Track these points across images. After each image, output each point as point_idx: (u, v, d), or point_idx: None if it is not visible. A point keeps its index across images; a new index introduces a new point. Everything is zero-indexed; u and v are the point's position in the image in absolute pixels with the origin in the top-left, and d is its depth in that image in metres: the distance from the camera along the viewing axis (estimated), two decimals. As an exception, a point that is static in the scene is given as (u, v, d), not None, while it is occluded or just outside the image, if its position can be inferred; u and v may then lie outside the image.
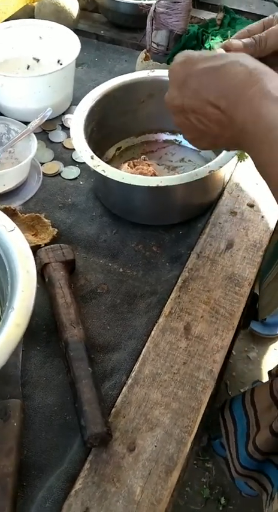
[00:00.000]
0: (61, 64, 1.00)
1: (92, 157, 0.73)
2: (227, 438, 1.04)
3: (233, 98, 0.50)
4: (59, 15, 1.14)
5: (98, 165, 0.72)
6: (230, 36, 0.58)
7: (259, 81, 0.49)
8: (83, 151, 0.74)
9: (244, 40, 0.58)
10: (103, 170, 0.71)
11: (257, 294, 1.31)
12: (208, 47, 1.08)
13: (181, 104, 0.55)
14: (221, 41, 1.09)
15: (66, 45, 0.98)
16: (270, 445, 0.91)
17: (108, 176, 0.70)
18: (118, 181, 0.70)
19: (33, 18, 1.14)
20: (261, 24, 0.59)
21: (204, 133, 0.56)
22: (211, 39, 1.10)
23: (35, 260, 0.71)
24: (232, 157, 0.72)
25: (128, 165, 0.79)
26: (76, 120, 0.78)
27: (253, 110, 0.49)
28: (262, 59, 0.56)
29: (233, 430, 1.01)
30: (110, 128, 0.87)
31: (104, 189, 0.81)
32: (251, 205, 0.82)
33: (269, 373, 1.14)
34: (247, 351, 1.85)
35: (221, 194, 0.84)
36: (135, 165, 0.79)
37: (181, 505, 1.50)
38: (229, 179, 0.86)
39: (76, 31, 1.19)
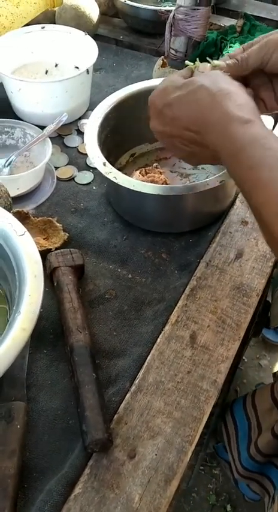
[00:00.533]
0: (78, 69, 1.01)
1: (104, 164, 0.74)
2: (229, 441, 1.04)
3: (202, 122, 0.55)
4: (79, 21, 1.16)
5: (110, 172, 0.73)
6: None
7: (222, 104, 0.52)
8: (96, 158, 0.75)
9: (228, 61, 0.62)
10: (115, 177, 0.72)
11: (270, 301, 1.31)
12: (226, 54, 1.08)
13: (163, 130, 0.61)
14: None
15: (85, 50, 0.99)
16: (272, 447, 0.91)
17: (119, 183, 0.71)
18: (129, 189, 0.71)
19: (54, 23, 1.16)
20: (241, 49, 0.64)
21: (190, 153, 0.61)
22: (230, 46, 1.10)
23: (45, 264, 0.73)
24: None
25: (140, 173, 0.80)
26: (91, 126, 0.79)
27: (219, 134, 0.52)
28: (249, 79, 0.63)
29: (234, 432, 1.02)
30: (124, 134, 0.87)
31: (116, 196, 0.81)
32: (263, 215, 0.81)
33: (274, 374, 1.14)
34: (258, 358, 1.84)
35: (233, 203, 0.83)
36: (146, 173, 0.80)
37: (187, 510, 1.49)
38: (242, 188, 0.86)
39: (96, 36, 1.21)
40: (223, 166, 0.57)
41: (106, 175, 0.72)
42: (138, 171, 0.81)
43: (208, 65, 0.63)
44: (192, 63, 0.64)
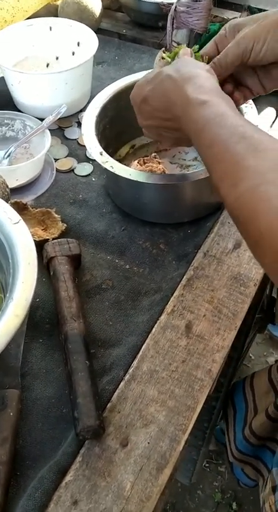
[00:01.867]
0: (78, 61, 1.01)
1: (101, 154, 0.73)
2: (227, 422, 1.04)
3: (170, 109, 0.58)
4: (81, 15, 1.16)
5: (106, 161, 0.72)
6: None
7: (182, 89, 0.55)
8: (93, 148, 0.74)
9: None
10: (111, 166, 0.71)
11: (275, 297, 1.29)
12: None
13: (147, 124, 0.65)
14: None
15: (85, 43, 0.98)
16: (265, 429, 0.90)
17: (115, 172, 0.70)
18: (126, 178, 0.70)
19: (57, 17, 1.16)
20: (213, 44, 0.65)
21: (176, 139, 0.65)
22: (232, 38, 1.09)
23: (42, 253, 0.73)
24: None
25: (138, 162, 0.79)
26: (88, 116, 0.79)
27: (183, 117, 0.55)
28: (234, 77, 0.66)
29: (232, 413, 1.02)
30: (124, 125, 0.87)
31: (114, 187, 0.81)
32: (263, 206, 0.80)
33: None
34: (266, 355, 1.82)
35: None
36: (145, 163, 0.79)
37: (192, 507, 1.49)
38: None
39: (99, 30, 1.21)
40: None
41: (102, 165, 0.72)
42: (136, 161, 0.80)
43: (189, 49, 0.64)
44: (168, 54, 0.66)
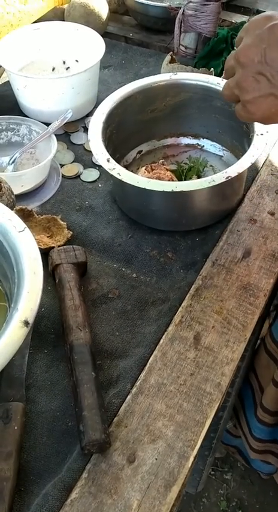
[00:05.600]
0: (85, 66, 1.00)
1: (108, 160, 0.72)
2: (239, 419, 1.03)
3: None
4: (88, 18, 1.15)
5: (114, 168, 0.71)
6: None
7: None
8: (99, 154, 0.73)
9: None
10: (119, 173, 0.70)
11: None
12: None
13: (260, 53, 0.52)
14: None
15: (92, 47, 0.97)
16: (277, 401, 0.89)
17: (122, 180, 0.69)
18: (133, 186, 0.69)
19: (63, 20, 1.15)
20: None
21: (271, 92, 0.53)
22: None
23: (48, 261, 0.72)
24: (252, 163, 0.70)
25: (145, 169, 0.78)
26: (95, 122, 0.78)
27: None
28: None
29: (241, 406, 1.00)
30: (131, 130, 0.86)
31: (121, 193, 0.80)
32: (272, 213, 0.79)
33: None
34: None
35: (241, 201, 0.81)
36: (152, 169, 0.78)
37: (196, 516, 1.47)
38: (251, 185, 0.84)
39: (106, 34, 1.20)
40: None
41: (109, 172, 0.71)
42: (143, 168, 0.79)
43: None
44: None
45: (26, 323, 0.53)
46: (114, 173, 0.70)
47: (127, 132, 0.85)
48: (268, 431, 0.96)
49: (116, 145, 0.82)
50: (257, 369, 0.98)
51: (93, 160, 0.90)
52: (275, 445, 0.98)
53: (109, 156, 0.73)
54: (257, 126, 0.74)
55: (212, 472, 1.55)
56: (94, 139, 0.75)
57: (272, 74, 0.52)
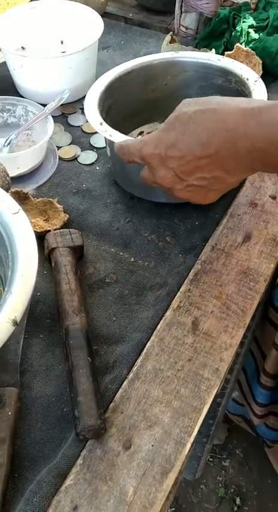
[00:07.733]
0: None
1: (101, 124, 0.70)
2: (242, 390, 1.03)
3: (215, 139, 0.53)
4: (87, -3, 1.12)
5: (106, 131, 0.69)
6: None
7: (230, 109, 0.52)
8: (92, 118, 0.71)
9: None
10: (110, 135, 0.69)
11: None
12: (239, 29, 1.03)
13: (174, 175, 0.57)
14: (253, 25, 1.04)
15: (90, 26, 0.95)
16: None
17: (114, 141, 0.67)
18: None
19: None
20: None
21: (210, 184, 0.57)
22: (243, 21, 1.05)
23: (43, 244, 0.70)
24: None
25: (139, 135, 0.76)
26: (93, 91, 0.76)
27: (248, 130, 0.51)
28: None
29: (244, 377, 1.01)
30: (132, 109, 0.84)
31: (121, 170, 0.77)
32: (274, 197, 0.77)
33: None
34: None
35: (242, 184, 0.79)
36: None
37: (194, 502, 1.47)
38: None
39: (105, 14, 1.17)
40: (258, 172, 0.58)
41: (101, 133, 0.69)
42: (137, 135, 0.78)
43: None
44: None
45: (20, 307, 0.52)
46: (106, 135, 0.69)
47: (127, 110, 0.83)
48: (269, 394, 0.97)
49: (116, 123, 0.79)
50: (259, 337, 0.98)
51: (91, 143, 0.88)
52: (275, 406, 0.98)
53: (102, 120, 0.71)
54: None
55: (211, 459, 1.55)
56: (90, 104, 0.74)
57: (198, 177, 0.57)
